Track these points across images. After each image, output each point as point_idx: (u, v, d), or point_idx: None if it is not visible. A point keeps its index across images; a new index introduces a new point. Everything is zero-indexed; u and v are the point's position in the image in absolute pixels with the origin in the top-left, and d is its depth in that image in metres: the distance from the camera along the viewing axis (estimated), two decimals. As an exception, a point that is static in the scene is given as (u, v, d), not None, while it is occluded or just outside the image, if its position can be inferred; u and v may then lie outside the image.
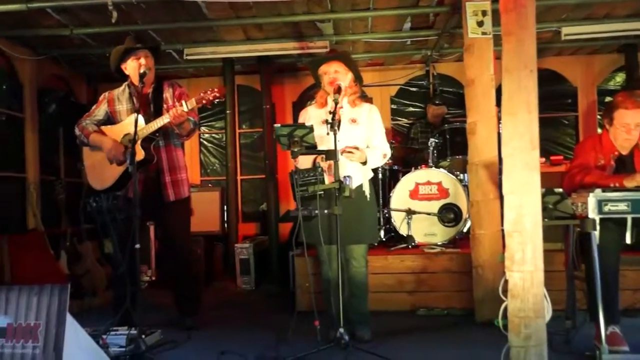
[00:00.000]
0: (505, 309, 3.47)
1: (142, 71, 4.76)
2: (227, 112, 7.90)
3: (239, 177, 8.43)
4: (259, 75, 8.12)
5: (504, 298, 3.50)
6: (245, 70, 8.35)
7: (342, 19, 6.55)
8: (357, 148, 4.22)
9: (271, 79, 8.18)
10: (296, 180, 3.89)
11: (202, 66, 8.18)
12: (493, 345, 4.18)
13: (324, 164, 4.10)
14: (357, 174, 4.27)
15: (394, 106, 8.63)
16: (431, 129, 7.59)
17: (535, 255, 3.37)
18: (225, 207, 8.07)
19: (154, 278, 7.37)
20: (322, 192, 3.95)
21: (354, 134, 4.32)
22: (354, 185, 4.13)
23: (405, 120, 8.65)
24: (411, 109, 8.69)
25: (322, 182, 3.94)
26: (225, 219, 8.06)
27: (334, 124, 3.93)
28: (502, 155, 3.36)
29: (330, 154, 3.95)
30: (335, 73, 4.39)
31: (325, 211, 3.95)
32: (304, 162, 4.30)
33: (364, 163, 4.33)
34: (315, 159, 4.19)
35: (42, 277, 6.05)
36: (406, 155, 7.45)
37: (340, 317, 3.84)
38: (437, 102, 7.71)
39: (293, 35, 7.01)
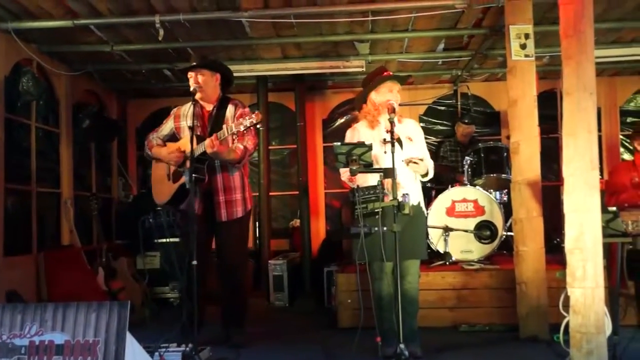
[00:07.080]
0: (566, 325, 3.56)
1: (191, 89, 4.84)
2: (260, 129, 7.78)
3: (269, 194, 8.48)
4: (289, 93, 8.26)
5: (564, 314, 3.60)
6: (277, 88, 8.43)
7: (380, 40, 6.68)
8: (421, 159, 4.33)
9: (304, 96, 8.26)
10: (358, 198, 3.96)
11: (235, 83, 8.21)
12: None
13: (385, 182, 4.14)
14: (414, 192, 4.37)
15: (422, 124, 8.63)
16: (460, 147, 7.71)
17: (596, 272, 3.47)
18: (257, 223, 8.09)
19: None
20: (381, 210, 4.01)
21: (412, 151, 4.39)
22: (412, 203, 4.22)
23: (434, 139, 8.72)
24: (439, 127, 8.79)
25: (383, 199, 3.99)
26: (257, 235, 8.10)
27: (397, 142, 4.04)
28: (564, 175, 3.47)
29: (389, 172, 4.03)
30: (398, 93, 4.50)
31: (385, 228, 4.01)
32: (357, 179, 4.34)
33: (425, 175, 4.46)
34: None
35: (80, 294, 5.97)
36: (437, 172, 7.51)
37: (400, 333, 3.87)
38: (466, 120, 7.83)
39: (330, 54, 7.11)
